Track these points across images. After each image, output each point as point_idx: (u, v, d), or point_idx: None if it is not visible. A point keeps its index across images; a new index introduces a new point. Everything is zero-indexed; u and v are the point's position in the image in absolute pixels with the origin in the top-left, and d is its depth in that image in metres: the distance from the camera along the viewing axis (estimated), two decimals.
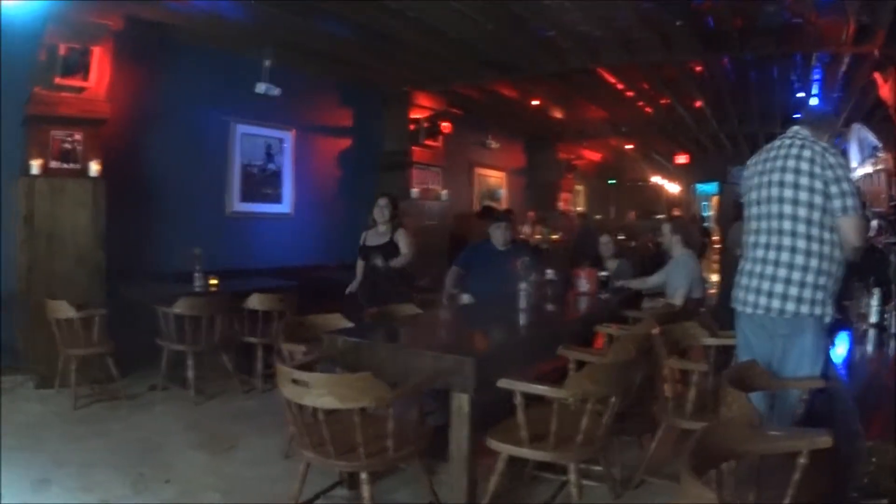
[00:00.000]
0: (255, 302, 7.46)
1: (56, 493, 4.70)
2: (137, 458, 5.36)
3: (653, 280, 7.62)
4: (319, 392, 3.57)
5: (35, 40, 7.30)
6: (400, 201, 8.00)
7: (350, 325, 5.21)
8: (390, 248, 7.57)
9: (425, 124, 12.28)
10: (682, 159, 20.89)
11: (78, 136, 7.64)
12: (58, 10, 7.23)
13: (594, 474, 4.51)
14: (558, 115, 15.04)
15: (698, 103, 13.59)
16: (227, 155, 9.75)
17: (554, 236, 15.37)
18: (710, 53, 9.50)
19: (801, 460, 2.56)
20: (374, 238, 7.70)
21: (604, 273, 7.72)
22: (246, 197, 9.99)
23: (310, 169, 11.03)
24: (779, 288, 3.82)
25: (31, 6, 7.00)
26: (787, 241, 3.83)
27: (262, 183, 10.30)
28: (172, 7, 7.77)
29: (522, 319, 5.53)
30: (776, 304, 3.83)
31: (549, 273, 7.10)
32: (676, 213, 20.23)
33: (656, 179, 24.67)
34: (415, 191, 12.24)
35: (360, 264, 7.84)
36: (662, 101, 13.69)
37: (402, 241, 7.62)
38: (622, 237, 12.93)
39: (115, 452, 5.49)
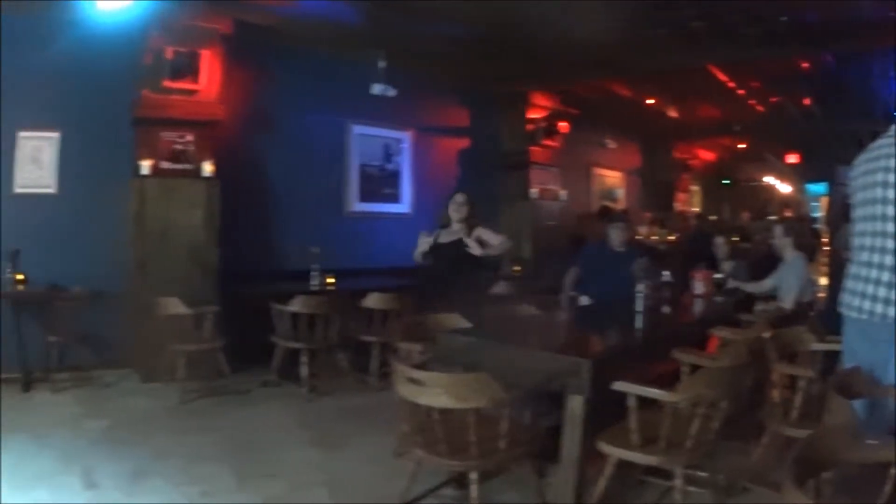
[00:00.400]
0: (372, 301, 7.57)
1: (159, 484, 4.81)
2: (244, 453, 5.48)
3: (767, 284, 7.56)
4: (436, 391, 3.63)
5: (134, 43, 7.52)
6: (476, 202, 7.32)
7: (468, 324, 5.24)
8: (462, 250, 6.93)
9: (542, 124, 12.35)
10: (792, 158, 20.28)
11: (189, 138, 7.86)
12: (161, 14, 7.43)
13: (699, 480, 4.44)
14: (673, 114, 14.89)
15: (807, 101, 13.34)
16: (343, 155, 10.01)
17: (670, 237, 15.23)
18: (811, 48, 9.38)
19: (893, 471, 2.50)
20: (446, 237, 7.07)
21: (718, 275, 7.69)
22: (365, 196, 10.23)
23: (428, 169, 11.16)
24: (882, 292, 3.71)
25: (128, 8, 7.14)
26: (890, 243, 3.73)
27: (380, 183, 10.53)
28: (280, 11, 7.95)
29: (638, 322, 5.48)
30: (879, 308, 3.73)
31: (665, 275, 6.98)
32: (788, 213, 19.81)
33: (769, 179, 24.15)
34: (534, 191, 12.33)
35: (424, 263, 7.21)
36: (772, 99, 13.48)
37: (488, 235, 7.02)
38: (736, 238, 12.76)
39: (222, 446, 5.63)
